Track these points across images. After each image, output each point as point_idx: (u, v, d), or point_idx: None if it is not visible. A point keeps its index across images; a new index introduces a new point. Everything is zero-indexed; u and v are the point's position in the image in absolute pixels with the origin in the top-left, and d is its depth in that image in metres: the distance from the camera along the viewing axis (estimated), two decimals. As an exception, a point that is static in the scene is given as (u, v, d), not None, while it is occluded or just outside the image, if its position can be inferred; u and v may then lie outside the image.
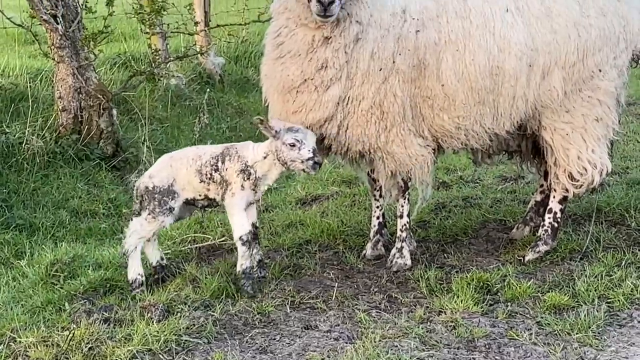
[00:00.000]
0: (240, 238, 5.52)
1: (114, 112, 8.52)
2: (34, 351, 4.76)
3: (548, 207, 6.26)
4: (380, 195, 6.27)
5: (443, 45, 5.67)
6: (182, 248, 6.46)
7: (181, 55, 9.97)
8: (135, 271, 5.62)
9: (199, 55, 10.50)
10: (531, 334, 4.99)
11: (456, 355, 4.80)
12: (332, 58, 5.50)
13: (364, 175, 6.41)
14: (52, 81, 8.55)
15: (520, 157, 6.63)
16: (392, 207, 6.71)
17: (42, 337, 4.88)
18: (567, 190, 6.13)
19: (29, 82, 9.05)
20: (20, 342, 4.86)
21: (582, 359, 4.75)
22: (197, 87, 10.86)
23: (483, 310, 5.31)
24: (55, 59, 8.19)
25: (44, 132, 8.19)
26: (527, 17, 5.78)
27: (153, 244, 5.73)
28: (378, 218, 6.34)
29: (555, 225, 6.21)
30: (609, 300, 5.40)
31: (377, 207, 6.34)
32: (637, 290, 5.50)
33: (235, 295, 5.49)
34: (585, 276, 5.71)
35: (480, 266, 6.02)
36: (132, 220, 5.65)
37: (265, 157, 5.50)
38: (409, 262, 6.03)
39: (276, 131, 5.43)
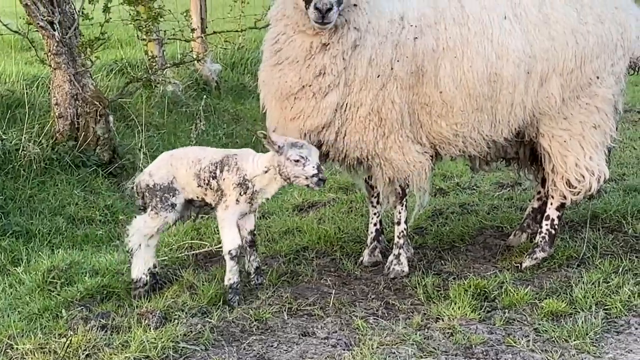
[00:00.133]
0: (229, 252, 5.48)
1: (111, 118, 8.51)
2: (31, 358, 4.75)
3: (545, 214, 6.26)
4: (378, 202, 6.27)
5: (441, 52, 5.68)
6: (179, 255, 6.45)
7: (178, 62, 9.97)
8: (139, 270, 5.58)
9: (195, 61, 10.51)
10: (529, 340, 4.99)
11: (454, 362, 4.81)
12: (330, 65, 5.50)
13: (361, 182, 6.41)
14: (49, 88, 8.55)
15: (518, 164, 6.63)
16: (389, 214, 6.71)
17: (39, 344, 4.87)
18: (564, 197, 6.13)
19: (26, 89, 9.05)
20: (17, 349, 4.85)
21: (580, 365, 4.76)
22: (194, 93, 10.86)
23: (480, 317, 5.30)
24: (52, 66, 8.18)
25: (40, 138, 8.18)
26: (524, 24, 5.79)
27: (152, 250, 5.68)
28: (375, 225, 6.34)
29: (553, 232, 6.21)
30: (606, 307, 5.40)
31: (375, 213, 6.34)
32: (634, 297, 5.51)
33: (232, 302, 5.50)
34: (583, 283, 5.71)
35: (477, 273, 6.02)
36: (135, 218, 5.63)
37: (266, 172, 5.46)
38: (406, 268, 6.03)
39: (279, 146, 5.36)
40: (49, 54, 8.13)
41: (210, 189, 5.51)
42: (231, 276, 5.50)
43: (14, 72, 9.68)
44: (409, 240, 6.24)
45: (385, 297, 5.68)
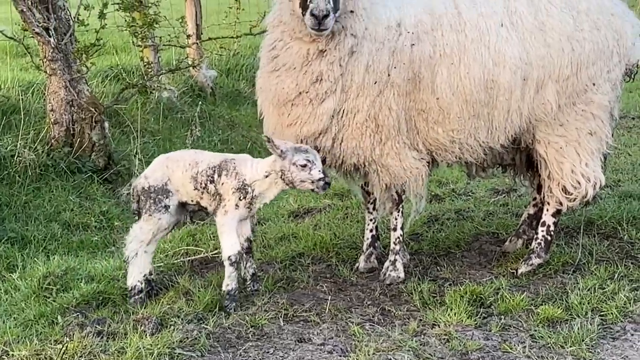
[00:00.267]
0: (229, 258, 5.46)
1: (106, 124, 8.52)
2: (27, 365, 4.75)
3: (541, 220, 6.27)
4: (374, 208, 6.28)
5: (438, 58, 5.69)
6: (175, 261, 6.44)
7: (173, 68, 10.00)
8: (135, 278, 5.58)
9: (190, 68, 10.51)
10: (525, 347, 4.99)
11: (450, 368, 4.81)
12: (327, 71, 5.51)
13: (357, 188, 6.41)
14: (44, 94, 8.56)
15: (514, 171, 6.64)
16: (385, 220, 6.71)
17: (35, 351, 4.86)
18: (560, 203, 6.14)
19: (21, 95, 9.05)
20: (13, 355, 4.84)
21: (576, 372, 4.77)
22: (189, 99, 10.87)
23: (476, 323, 5.30)
24: (47, 72, 8.19)
25: (35, 144, 8.18)
26: (521, 31, 5.80)
27: (149, 256, 5.66)
28: (371, 231, 6.34)
29: (549, 238, 6.22)
30: (602, 313, 5.41)
31: (371, 219, 6.34)
32: (630, 303, 5.51)
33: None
34: (579, 289, 5.72)
35: (473, 279, 6.02)
36: (132, 227, 5.62)
37: (266, 176, 5.46)
38: (402, 274, 6.03)
39: (282, 150, 5.37)
40: (45, 60, 8.14)
41: (207, 193, 5.50)
42: (230, 282, 5.48)
43: (9, 78, 9.68)
44: (405, 247, 6.24)
45: (381, 303, 5.68)
